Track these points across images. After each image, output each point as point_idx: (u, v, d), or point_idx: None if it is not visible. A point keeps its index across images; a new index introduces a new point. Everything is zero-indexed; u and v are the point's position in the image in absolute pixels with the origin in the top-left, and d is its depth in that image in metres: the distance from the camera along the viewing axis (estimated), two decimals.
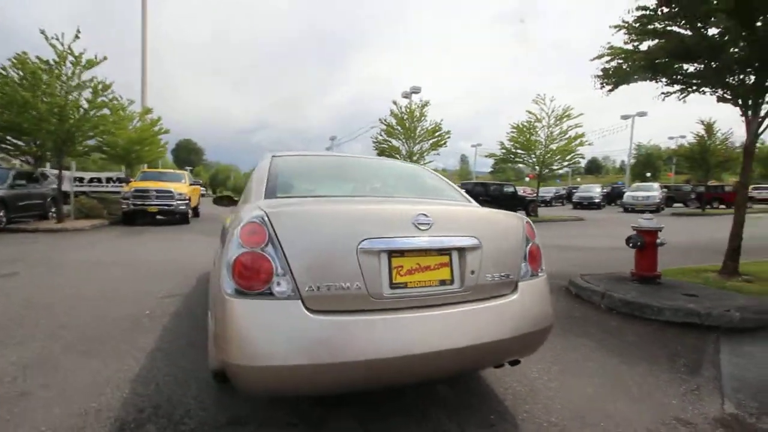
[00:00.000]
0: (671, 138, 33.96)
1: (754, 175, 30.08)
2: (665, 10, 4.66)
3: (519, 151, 16.41)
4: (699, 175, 20.05)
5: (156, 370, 2.44)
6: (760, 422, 2.03)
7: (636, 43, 5.52)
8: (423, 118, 14.77)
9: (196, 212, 15.07)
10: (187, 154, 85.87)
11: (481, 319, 1.78)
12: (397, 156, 15.46)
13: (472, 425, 1.94)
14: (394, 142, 15.28)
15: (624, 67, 5.33)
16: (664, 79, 5.25)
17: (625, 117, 24.92)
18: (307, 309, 1.54)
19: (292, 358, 1.48)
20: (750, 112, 4.64)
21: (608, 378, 2.49)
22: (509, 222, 2.07)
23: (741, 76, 4.62)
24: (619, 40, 5.70)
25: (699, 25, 4.50)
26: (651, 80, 5.46)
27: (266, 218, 1.62)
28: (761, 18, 3.95)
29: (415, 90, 21.18)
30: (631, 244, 4.45)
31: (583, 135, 15.87)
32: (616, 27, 5.62)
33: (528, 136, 15.63)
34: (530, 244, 2.07)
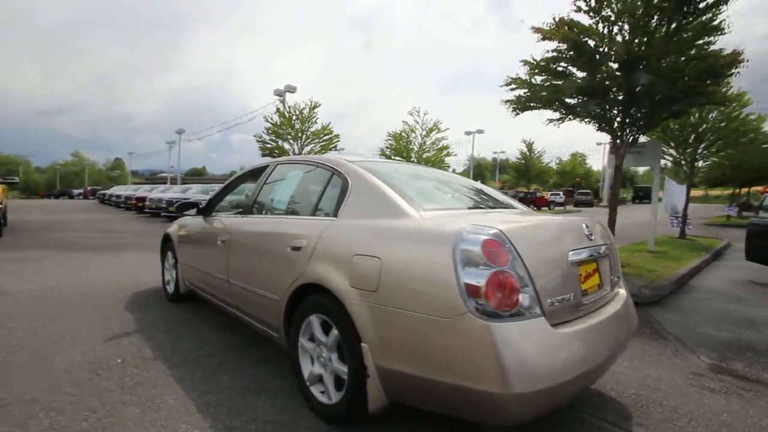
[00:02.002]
0: (495, 153, 41.67)
1: (549, 184, 39.68)
2: (572, 54, 5.90)
3: (396, 158, 17.63)
4: (521, 183, 25.32)
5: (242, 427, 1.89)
6: (729, 365, 2.88)
7: (537, 77, 6.79)
8: (313, 119, 14.44)
9: (4, 219, 11.18)
10: None
11: (624, 316, 2.04)
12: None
13: (588, 407, 2.19)
14: (282, 143, 14.47)
15: (537, 96, 6.46)
16: (561, 109, 6.59)
17: (468, 132, 29.62)
18: (550, 324, 1.52)
19: (556, 377, 1.44)
20: (618, 140, 6.27)
21: (626, 352, 3.09)
22: (607, 228, 2.41)
23: (615, 113, 6.20)
24: (519, 71, 6.91)
25: (594, 70, 5.85)
26: (550, 109, 6.78)
27: (504, 235, 1.52)
28: (638, 69, 5.40)
29: (290, 89, 20.49)
30: None
31: (448, 147, 18.11)
32: (523, 62, 6.79)
33: (406, 144, 16.98)
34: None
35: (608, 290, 2.01)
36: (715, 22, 4.95)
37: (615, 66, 5.83)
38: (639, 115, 5.97)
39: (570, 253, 1.72)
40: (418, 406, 1.68)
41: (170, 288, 4.06)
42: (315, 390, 2.05)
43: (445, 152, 18.02)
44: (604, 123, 6.27)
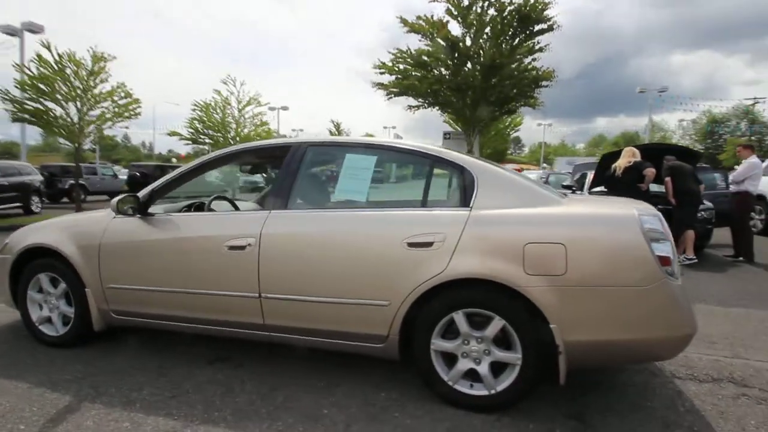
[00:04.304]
0: (294, 130, 41.89)
1: None
2: (444, 52, 6.74)
3: (210, 131, 15.53)
4: None
5: None
6: None
7: (399, 66, 7.46)
8: (101, 74, 10.61)
9: None
10: None
11: None
12: (56, 125, 10.49)
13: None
14: (51, 105, 10.03)
15: (411, 85, 7.07)
16: (429, 100, 7.47)
17: (272, 108, 28.43)
18: None
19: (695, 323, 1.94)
20: (470, 132, 7.66)
21: None
22: None
23: (467, 104, 7.50)
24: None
25: (458, 70, 6.89)
26: (418, 99, 7.57)
27: (660, 214, 1.91)
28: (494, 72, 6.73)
29: (33, 28, 14.71)
30: None
31: (267, 123, 17.16)
32: (397, 50, 7.31)
33: (223, 116, 15.08)
34: None
35: None
36: (541, 44, 6.72)
37: (471, 67, 7.07)
38: (485, 110, 7.48)
39: None
40: (594, 366, 1.94)
41: (54, 329, 2.65)
42: (462, 387, 1.97)
43: (264, 128, 16.99)
44: (460, 115, 7.54)
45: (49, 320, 2.67)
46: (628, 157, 5.63)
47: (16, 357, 2.47)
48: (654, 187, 5.96)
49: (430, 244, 1.95)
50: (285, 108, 28.72)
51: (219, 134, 15.46)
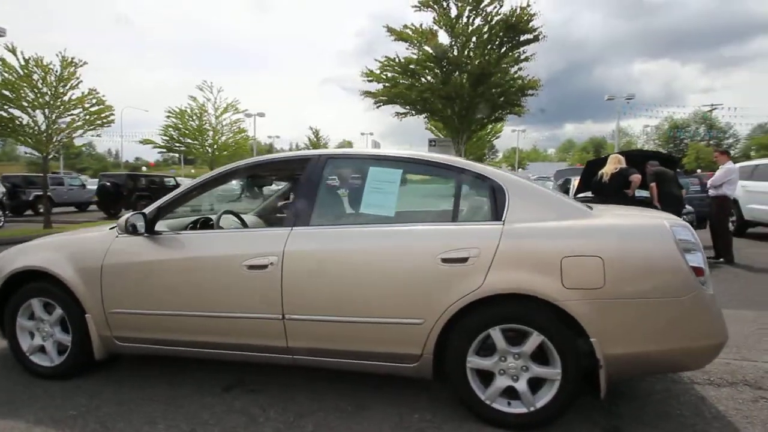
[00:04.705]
0: (270, 137, 41.31)
1: None
2: (433, 61, 6.80)
3: (188, 139, 15.06)
4: None
5: None
6: None
7: (387, 74, 7.47)
8: (72, 80, 10.02)
9: None
10: None
11: None
12: (22, 134, 9.85)
13: None
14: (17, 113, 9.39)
15: (401, 93, 7.09)
16: (417, 107, 7.50)
17: (249, 115, 27.89)
18: None
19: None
20: (458, 140, 7.73)
21: None
22: None
23: (455, 112, 7.58)
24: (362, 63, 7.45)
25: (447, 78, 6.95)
26: (410, 107, 7.59)
27: (689, 225, 1.94)
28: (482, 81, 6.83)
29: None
30: None
31: (246, 130, 16.84)
32: (385, 58, 7.30)
33: (201, 123, 14.65)
34: None
35: None
36: (526, 54, 6.89)
37: (459, 76, 7.15)
38: (473, 118, 7.57)
39: None
40: (629, 378, 1.94)
41: (48, 359, 2.44)
42: (499, 405, 1.93)
43: (242, 135, 16.63)
44: (449, 123, 7.60)
45: (42, 349, 2.46)
46: (615, 163, 5.80)
47: (8, 391, 2.26)
48: (638, 192, 6.18)
49: (465, 260, 1.91)
50: (261, 114, 28.28)
51: (196, 142, 15.03)
